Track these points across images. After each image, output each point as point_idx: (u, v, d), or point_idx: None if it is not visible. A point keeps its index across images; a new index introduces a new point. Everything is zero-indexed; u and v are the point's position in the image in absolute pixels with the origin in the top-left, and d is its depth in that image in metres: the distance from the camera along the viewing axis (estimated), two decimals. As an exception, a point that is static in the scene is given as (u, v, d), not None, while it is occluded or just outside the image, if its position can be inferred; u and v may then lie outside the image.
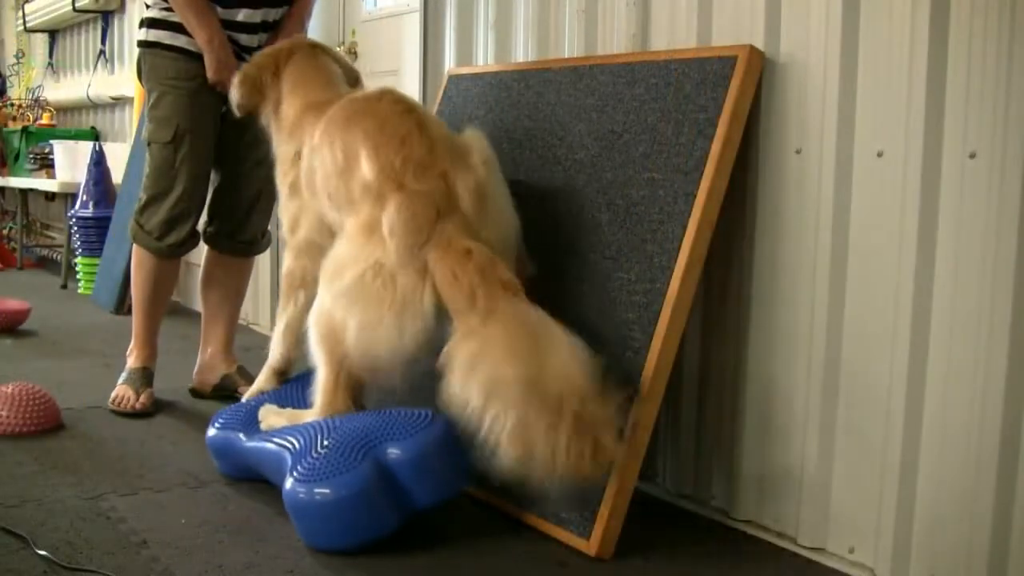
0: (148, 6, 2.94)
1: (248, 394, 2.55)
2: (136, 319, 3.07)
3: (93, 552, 1.95)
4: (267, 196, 3.06)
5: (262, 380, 2.56)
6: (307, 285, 2.41)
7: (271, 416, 2.31)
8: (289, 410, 2.31)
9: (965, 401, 1.78)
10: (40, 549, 1.92)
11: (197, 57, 2.85)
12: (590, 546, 2.00)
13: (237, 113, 2.63)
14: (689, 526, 2.23)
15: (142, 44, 2.94)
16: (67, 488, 2.30)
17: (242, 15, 2.88)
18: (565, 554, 2.02)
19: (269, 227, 3.18)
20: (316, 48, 2.60)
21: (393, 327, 2.00)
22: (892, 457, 1.89)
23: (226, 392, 3.09)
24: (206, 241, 3.13)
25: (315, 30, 3.74)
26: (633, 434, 2.00)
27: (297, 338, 2.42)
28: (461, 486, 2.10)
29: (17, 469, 2.42)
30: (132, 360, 3.06)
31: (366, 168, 2.11)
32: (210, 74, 2.83)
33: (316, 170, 2.25)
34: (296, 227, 2.46)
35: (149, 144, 2.92)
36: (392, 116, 2.16)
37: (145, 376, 3.01)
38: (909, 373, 1.86)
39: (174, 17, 2.85)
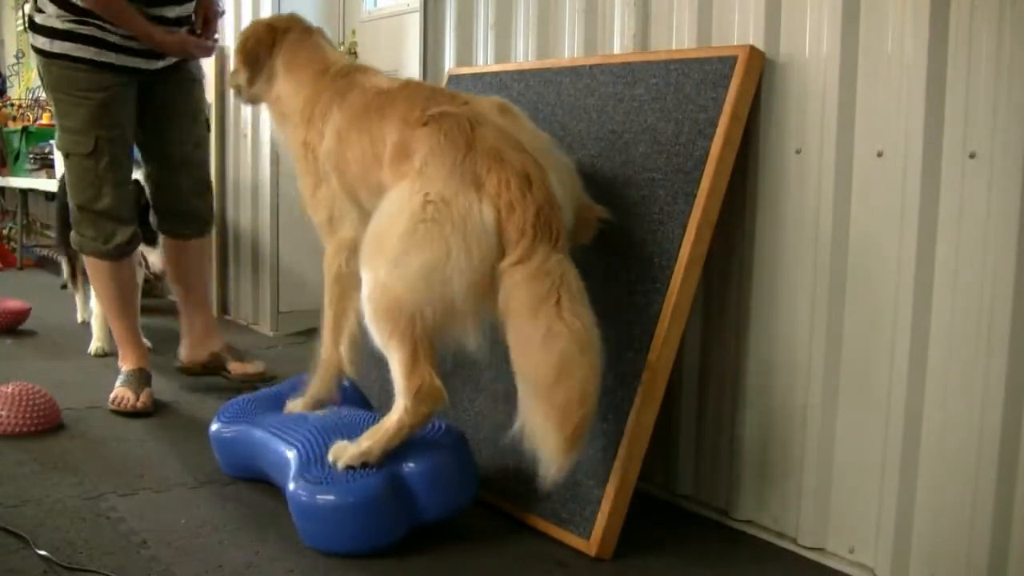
0: (40, 11, 2.88)
1: (302, 405, 2.35)
2: (113, 326, 3.10)
3: (93, 552, 1.95)
4: (204, 180, 3.14)
5: (321, 390, 2.34)
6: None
7: (348, 449, 2.00)
8: (367, 432, 2.01)
9: (965, 401, 1.78)
10: (40, 549, 1.92)
11: (106, 67, 2.85)
12: (590, 546, 2.00)
13: (233, 87, 2.53)
14: (689, 526, 2.23)
15: (43, 53, 2.89)
16: (67, 488, 2.30)
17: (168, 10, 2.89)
18: (565, 554, 2.02)
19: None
20: (310, 28, 2.44)
21: (462, 252, 1.81)
22: (892, 457, 1.89)
23: (215, 369, 3.11)
24: (159, 231, 3.19)
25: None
26: (634, 432, 2.00)
27: (360, 348, 2.24)
28: (469, 498, 2.10)
29: (17, 469, 2.42)
30: (125, 364, 3.07)
31: (392, 134, 2.03)
32: (190, 53, 2.92)
33: (350, 163, 2.16)
34: (335, 223, 2.26)
35: (67, 156, 2.91)
36: (416, 94, 2.11)
37: (142, 376, 3.02)
38: (909, 373, 1.85)
39: (81, 28, 2.82)
